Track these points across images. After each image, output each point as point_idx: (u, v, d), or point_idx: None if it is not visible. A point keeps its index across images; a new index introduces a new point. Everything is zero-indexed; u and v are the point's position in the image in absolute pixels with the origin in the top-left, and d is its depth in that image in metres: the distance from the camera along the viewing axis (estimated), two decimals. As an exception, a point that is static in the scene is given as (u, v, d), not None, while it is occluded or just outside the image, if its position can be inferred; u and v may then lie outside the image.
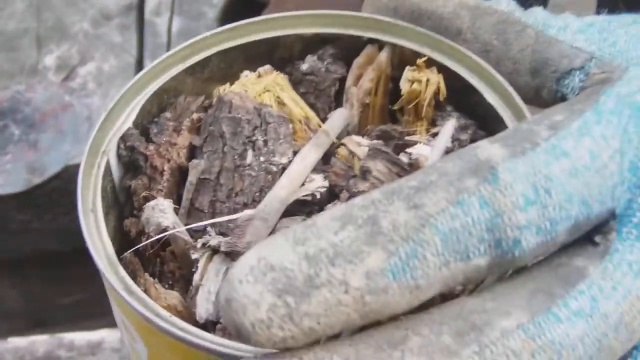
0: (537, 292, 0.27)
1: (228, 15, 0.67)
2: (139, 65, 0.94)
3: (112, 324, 0.71)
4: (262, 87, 0.40)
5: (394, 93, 0.41)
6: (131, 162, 0.38)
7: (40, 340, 0.74)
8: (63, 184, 0.85)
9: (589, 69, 0.36)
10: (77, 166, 0.88)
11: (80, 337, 0.74)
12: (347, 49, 0.42)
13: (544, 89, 0.37)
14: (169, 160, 0.38)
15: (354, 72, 0.42)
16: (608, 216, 0.29)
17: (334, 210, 0.25)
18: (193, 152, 0.38)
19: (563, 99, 0.36)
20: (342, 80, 0.42)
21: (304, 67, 0.41)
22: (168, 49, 0.94)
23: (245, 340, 0.24)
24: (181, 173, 0.38)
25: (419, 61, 0.40)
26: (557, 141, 0.28)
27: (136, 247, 0.35)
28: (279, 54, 0.42)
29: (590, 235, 0.30)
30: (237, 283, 0.24)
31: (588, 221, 0.29)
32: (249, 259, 0.24)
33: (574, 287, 0.28)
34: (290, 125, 0.38)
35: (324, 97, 0.41)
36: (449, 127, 0.38)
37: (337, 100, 0.42)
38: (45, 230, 0.89)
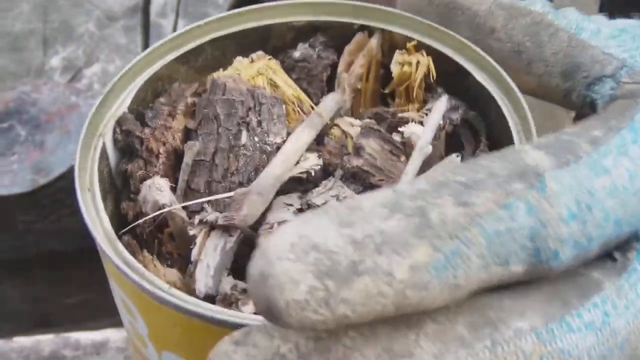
0: (553, 298, 0.27)
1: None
2: (145, 67, 0.94)
3: (116, 324, 0.71)
4: (255, 70, 0.41)
5: (385, 79, 0.42)
6: (127, 146, 0.38)
7: (45, 340, 0.74)
8: (68, 184, 0.84)
9: (620, 77, 0.36)
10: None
11: (85, 337, 0.74)
12: (338, 37, 0.42)
13: (574, 93, 0.37)
14: (164, 143, 0.38)
15: (345, 58, 0.43)
16: (630, 235, 0.30)
17: (380, 195, 0.25)
18: (188, 135, 0.39)
19: (592, 104, 0.37)
20: (334, 67, 0.42)
21: (296, 54, 0.42)
22: (173, 51, 0.95)
23: (273, 319, 0.23)
24: (177, 156, 0.38)
25: (409, 45, 0.40)
26: (598, 157, 0.29)
27: (134, 224, 0.36)
28: (272, 43, 0.43)
29: (610, 251, 0.30)
30: (276, 259, 0.23)
31: (616, 240, 0.29)
32: (288, 234, 0.23)
33: (589, 299, 0.28)
34: (284, 106, 0.39)
35: (317, 82, 0.42)
36: (440, 105, 0.38)
37: (329, 87, 0.42)
38: (50, 231, 0.89)
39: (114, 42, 0.96)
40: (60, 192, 0.84)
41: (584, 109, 0.36)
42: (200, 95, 0.40)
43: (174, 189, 0.37)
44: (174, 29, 0.97)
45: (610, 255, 0.30)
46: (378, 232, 0.24)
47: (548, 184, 0.27)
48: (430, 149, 0.37)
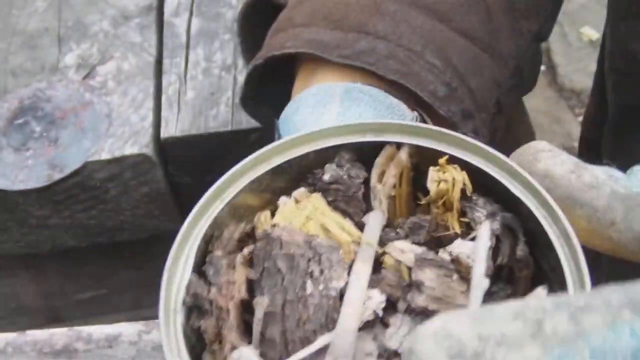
0: None
1: (246, 16, 0.68)
2: (159, 65, 0.95)
3: (127, 319, 0.72)
4: (304, 216, 0.42)
5: (414, 181, 0.44)
6: (195, 305, 0.40)
7: (59, 333, 0.75)
8: (82, 180, 0.86)
9: None
10: (97, 163, 0.88)
11: (98, 331, 0.75)
12: (362, 153, 0.44)
13: None
14: (232, 298, 0.40)
15: (376, 170, 0.44)
16: None
17: (512, 305, 0.31)
18: (250, 284, 0.41)
19: None
20: (364, 182, 0.44)
21: (326, 177, 0.44)
22: (187, 49, 0.95)
23: None
24: (244, 306, 0.40)
25: (441, 160, 0.42)
26: None
27: None
28: (298, 165, 0.44)
29: None
30: (422, 339, 0.30)
31: None
32: (435, 324, 0.31)
33: None
34: (341, 251, 0.41)
35: (354, 202, 0.44)
36: (484, 232, 0.41)
37: (365, 201, 0.44)
38: (63, 226, 0.90)
39: (129, 41, 0.97)
40: (74, 187, 0.85)
41: None
42: (248, 235, 0.42)
43: (248, 338, 0.39)
44: (188, 28, 0.98)
45: None
46: (500, 333, 0.30)
47: None
48: (487, 282, 0.40)
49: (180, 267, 0.40)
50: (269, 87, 0.63)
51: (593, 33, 2.18)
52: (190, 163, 0.90)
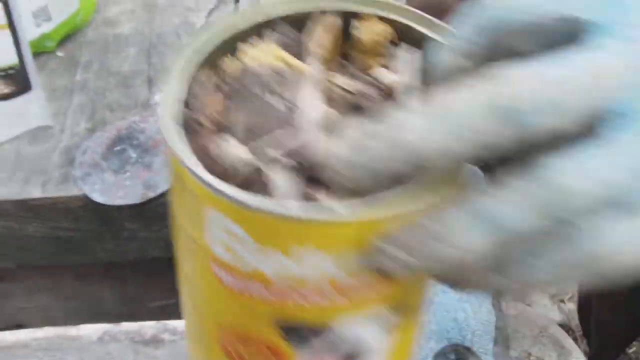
0: None
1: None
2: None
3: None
4: (271, 54, 0.45)
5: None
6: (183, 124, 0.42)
7: (148, 325, 0.85)
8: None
9: None
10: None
11: (181, 324, 0.84)
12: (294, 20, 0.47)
13: None
14: (210, 118, 0.42)
15: (310, 34, 0.46)
16: None
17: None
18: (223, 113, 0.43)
19: None
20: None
21: (274, 39, 0.46)
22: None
23: None
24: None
25: (365, 15, 0.46)
26: None
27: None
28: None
29: None
30: None
31: None
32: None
33: None
34: (302, 75, 0.43)
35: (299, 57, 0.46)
36: (404, 50, 0.45)
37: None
38: (150, 239, 1.01)
39: (210, 84, 1.09)
40: (163, 206, 0.96)
41: None
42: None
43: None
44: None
45: None
46: None
47: None
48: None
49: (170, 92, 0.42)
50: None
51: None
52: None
